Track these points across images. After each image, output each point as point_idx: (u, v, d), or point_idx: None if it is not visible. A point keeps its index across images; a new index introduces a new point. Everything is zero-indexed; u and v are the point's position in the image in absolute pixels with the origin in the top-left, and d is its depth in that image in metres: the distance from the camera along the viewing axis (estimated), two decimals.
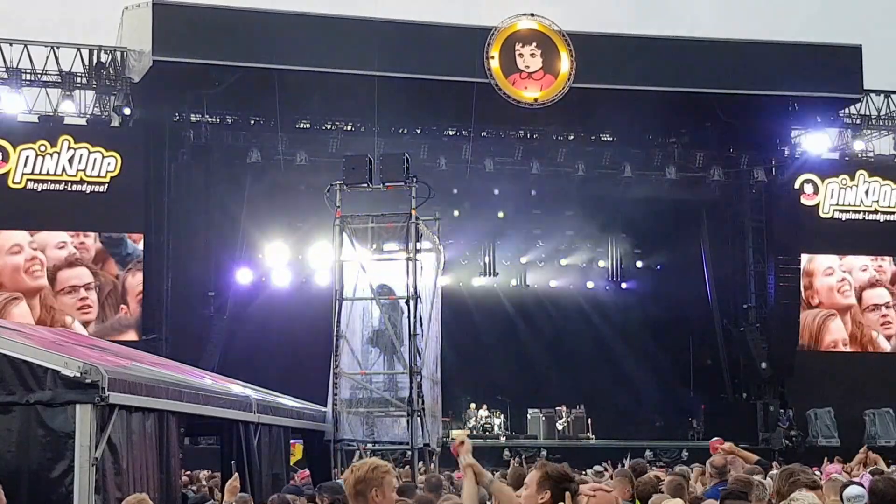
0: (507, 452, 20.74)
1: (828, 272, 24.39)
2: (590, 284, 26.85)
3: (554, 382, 25.33)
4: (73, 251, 20.72)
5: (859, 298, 24.53)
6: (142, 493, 5.23)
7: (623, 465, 10.06)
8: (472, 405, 23.28)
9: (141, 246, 20.99)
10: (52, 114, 21.05)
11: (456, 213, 23.33)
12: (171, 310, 20.85)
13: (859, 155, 25.09)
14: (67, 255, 20.69)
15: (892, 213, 24.76)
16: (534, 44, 21.70)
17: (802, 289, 24.09)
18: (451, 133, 23.46)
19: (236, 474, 6.11)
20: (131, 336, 20.35)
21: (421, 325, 10.73)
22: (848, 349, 24.39)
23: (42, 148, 20.58)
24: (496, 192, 23.41)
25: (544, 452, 20.60)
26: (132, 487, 5.75)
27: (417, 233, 10.84)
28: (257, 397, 8.47)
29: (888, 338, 24.67)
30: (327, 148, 21.79)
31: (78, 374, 5.42)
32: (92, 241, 20.93)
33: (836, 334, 24.40)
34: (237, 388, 8.92)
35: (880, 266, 24.73)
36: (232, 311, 21.93)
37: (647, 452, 20.86)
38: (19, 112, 20.93)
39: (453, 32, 21.97)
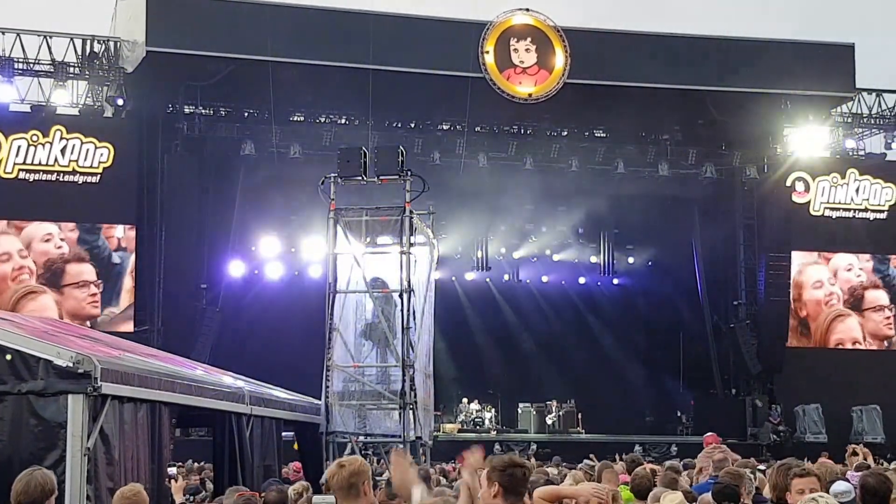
0: (497, 447, 20.81)
1: (816, 285, 24.46)
2: (582, 280, 26.91)
3: (545, 377, 25.41)
4: (59, 243, 20.67)
5: (861, 298, 24.61)
6: (136, 483, 5.24)
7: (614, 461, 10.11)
8: (465, 399, 23.34)
9: (115, 246, 20.92)
10: (44, 103, 20.95)
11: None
12: (164, 301, 20.83)
13: (851, 153, 25.19)
14: (62, 251, 20.65)
15: (883, 211, 24.88)
16: (528, 39, 21.70)
17: (791, 299, 24.15)
18: (444, 127, 23.46)
19: (177, 480, 5.89)
20: (126, 328, 20.33)
21: (414, 318, 10.75)
22: (861, 347, 24.46)
23: (34, 138, 20.49)
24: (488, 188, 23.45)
25: (534, 446, 20.69)
26: (124, 477, 5.76)
27: (411, 226, 10.84)
28: (250, 389, 8.48)
29: (885, 339, 24.79)
30: (321, 141, 21.78)
31: (70, 364, 5.41)
32: (74, 236, 20.84)
33: (843, 334, 24.46)
34: (229, 379, 8.93)
35: (869, 265, 24.79)
36: (224, 303, 21.92)
37: (637, 447, 20.95)
38: (11, 101, 20.83)
39: (448, 26, 21.96)
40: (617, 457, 12.06)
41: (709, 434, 8.38)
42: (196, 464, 12.01)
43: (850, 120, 24.76)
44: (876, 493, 4.49)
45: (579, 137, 23.98)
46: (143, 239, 21.06)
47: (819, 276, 24.50)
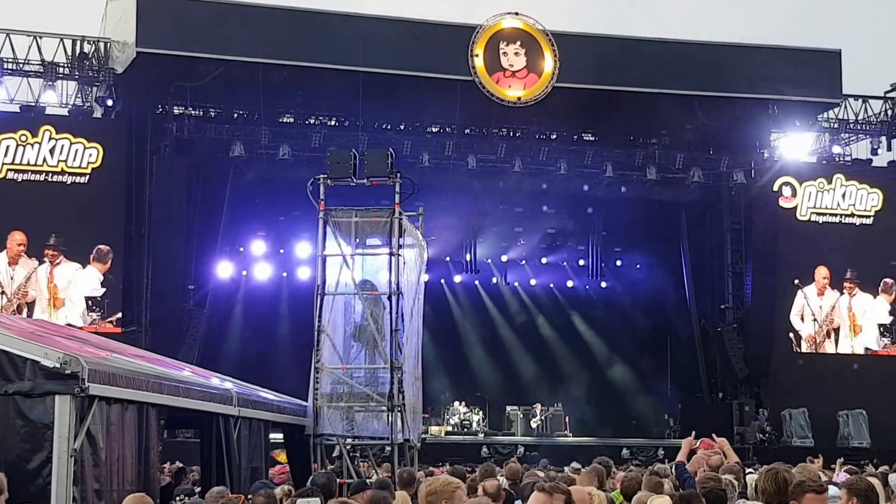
0: (485, 449, 20.84)
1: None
2: (570, 283, 26.99)
3: (533, 379, 25.48)
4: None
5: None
6: (141, 493, 5.22)
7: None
8: (456, 402, 23.36)
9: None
10: (33, 104, 20.90)
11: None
12: (151, 302, 20.77)
13: (837, 159, 25.38)
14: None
15: (869, 216, 25.06)
16: (518, 42, 21.78)
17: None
18: (434, 130, 23.50)
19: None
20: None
21: (402, 320, 10.73)
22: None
23: (23, 138, 20.42)
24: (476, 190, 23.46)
25: (521, 449, 20.74)
26: (111, 479, 5.75)
27: (401, 228, 10.84)
28: (238, 391, 8.47)
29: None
30: (310, 142, 21.80)
31: (58, 365, 5.38)
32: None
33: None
34: (217, 381, 8.92)
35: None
36: (212, 304, 21.88)
37: (624, 451, 21.03)
38: (0, 101, 20.76)
39: (438, 29, 22.01)
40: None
41: (703, 439, 8.43)
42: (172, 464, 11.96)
43: (836, 126, 24.96)
44: (868, 499, 4.55)
45: (568, 141, 24.07)
46: (132, 239, 21.00)
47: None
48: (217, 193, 21.82)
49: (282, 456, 11.29)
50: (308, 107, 22.80)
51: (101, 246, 20.65)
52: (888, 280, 24.93)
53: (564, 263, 26.80)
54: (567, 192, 23.82)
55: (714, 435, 8.38)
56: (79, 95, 21.44)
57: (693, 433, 8.14)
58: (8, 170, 20.37)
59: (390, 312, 10.59)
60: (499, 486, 6.42)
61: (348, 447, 10.95)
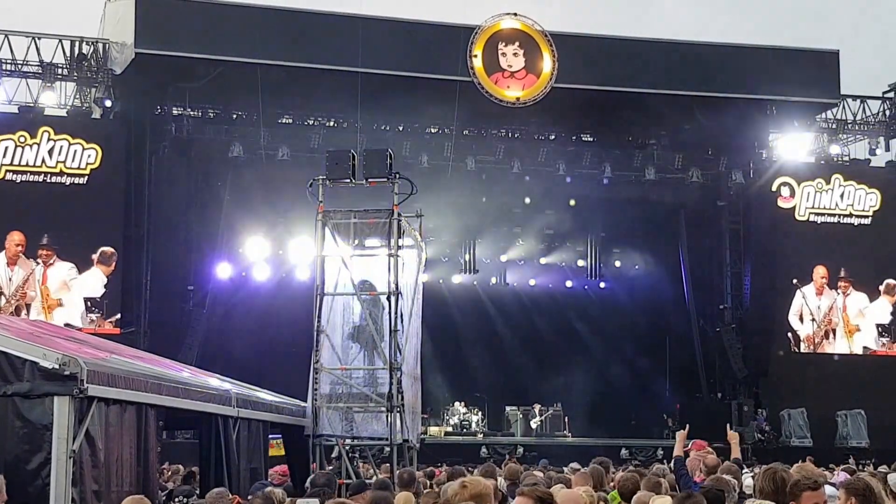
0: (484, 450, 20.85)
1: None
2: (569, 283, 27.00)
3: (532, 380, 25.46)
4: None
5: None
6: (138, 495, 5.23)
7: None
8: (455, 402, 23.37)
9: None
10: (32, 105, 20.90)
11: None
12: (151, 303, 20.77)
13: (835, 159, 25.40)
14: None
15: (867, 216, 25.08)
16: (517, 43, 21.80)
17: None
18: (433, 130, 23.51)
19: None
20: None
21: (401, 321, 10.74)
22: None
23: (21, 139, 20.42)
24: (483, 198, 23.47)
25: (520, 450, 20.75)
26: (110, 480, 5.76)
27: (399, 229, 10.84)
28: (237, 391, 8.47)
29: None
30: (309, 143, 21.81)
31: (56, 366, 5.39)
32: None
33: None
34: (216, 381, 8.92)
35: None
36: (211, 305, 21.88)
37: (623, 451, 21.04)
38: None
39: (437, 30, 22.03)
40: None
41: (695, 441, 8.47)
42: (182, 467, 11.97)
43: (834, 126, 24.99)
44: (867, 499, 4.57)
45: (566, 141, 24.08)
46: (131, 240, 21.00)
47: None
48: (216, 194, 21.82)
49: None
50: (307, 108, 22.80)
51: (106, 248, 20.62)
52: (891, 281, 24.92)
53: (563, 264, 26.80)
54: (566, 192, 23.83)
55: (728, 426, 8.42)
56: (77, 96, 21.44)
57: (687, 426, 8.14)
58: (7, 171, 20.36)
59: (389, 313, 10.60)
60: (496, 486, 6.42)
61: (347, 448, 10.95)
